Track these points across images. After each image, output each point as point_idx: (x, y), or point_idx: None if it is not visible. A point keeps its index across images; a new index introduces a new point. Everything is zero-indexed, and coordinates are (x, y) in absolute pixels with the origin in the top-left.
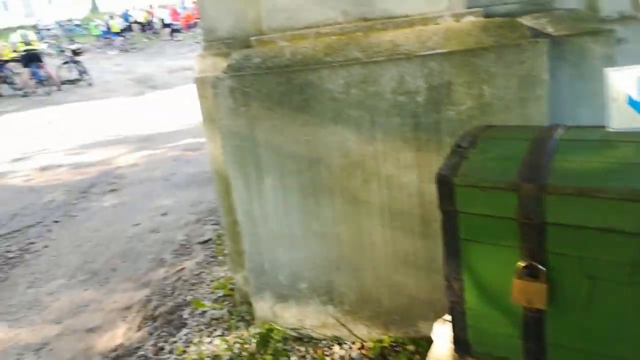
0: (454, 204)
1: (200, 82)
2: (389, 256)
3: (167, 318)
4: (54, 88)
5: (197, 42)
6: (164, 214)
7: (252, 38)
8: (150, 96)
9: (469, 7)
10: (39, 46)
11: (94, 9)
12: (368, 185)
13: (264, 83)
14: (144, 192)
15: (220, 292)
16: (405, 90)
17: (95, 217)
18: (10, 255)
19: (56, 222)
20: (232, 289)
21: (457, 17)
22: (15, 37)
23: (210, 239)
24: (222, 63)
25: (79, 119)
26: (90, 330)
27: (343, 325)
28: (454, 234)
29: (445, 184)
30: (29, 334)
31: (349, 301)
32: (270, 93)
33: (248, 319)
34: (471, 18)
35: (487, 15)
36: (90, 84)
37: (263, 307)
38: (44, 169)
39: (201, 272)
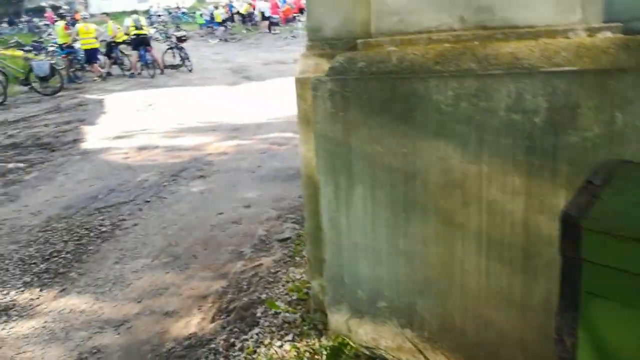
0: (579, 251)
1: (300, 83)
2: (481, 286)
3: (240, 314)
4: (158, 71)
5: (293, 36)
6: (247, 206)
7: (359, 41)
8: (244, 86)
9: (607, 21)
10: (149, 31)
11: None
12: (467, 208)
13: (366, 89)
14: (230, 182)
15: (295, 295)
16: (522, 109)
17: (182, 201)
18: (103, 229)
19: (147, 202)
20: (307, 294)
21: (592, 31)
22: (128, 22)
23: (289, 238)
24: (325, 64)
25: (178, 103)
26: (167, 314)
27: (421, 352)
28: (575, 284)
29: (571, 226)
30: (111, 309)
31: (430, 328)
32: (372, 100)
33: (321, 329)
34: (608, 34)
35: (626, 32)
36: (190, 70)
37: (338, 319)
38: (141, 148)
39: (278, 271)
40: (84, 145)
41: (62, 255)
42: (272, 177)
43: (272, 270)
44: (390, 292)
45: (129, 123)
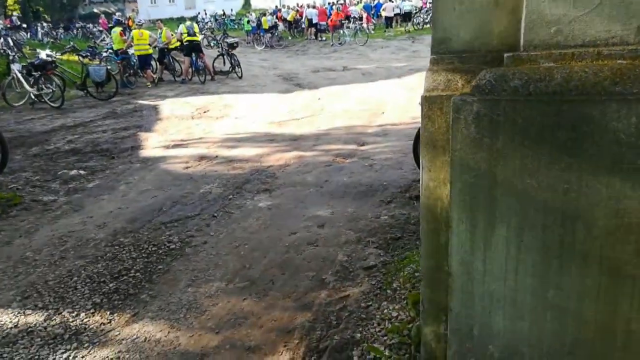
0: None
1: (429, 102)
2: None
3: (335, 357)
4: (208, 77)
5: (339, 43)
6: (321, 226)
7: (506, 55)
8: (296, 94)
9: None
10: (200, 38)
11: (247, 4)
12: None
13: (523, 112)
14: (297, 197)
15: (395, 338)
16: None
17: (250, 217)
18: (172, 246)
19: (214, 216)
20: (407, 336)
21: None
22: (181, 28)
23: (374, 266)
24: (458, 81)
25: (232, 110)
26: (250, 349)
27: None
28: None
29: None
30: (187, 340)
31: None
32: (528, 125)
33: None
34: None
35: None
36: (240, 77)
37: None
38: (201, 158)
39: (369, 306)
40: (143, 153)
41: (132, 274)
42: (342, 193)
43: (363, 304)
44: (530, 351)
45: (185, 130)
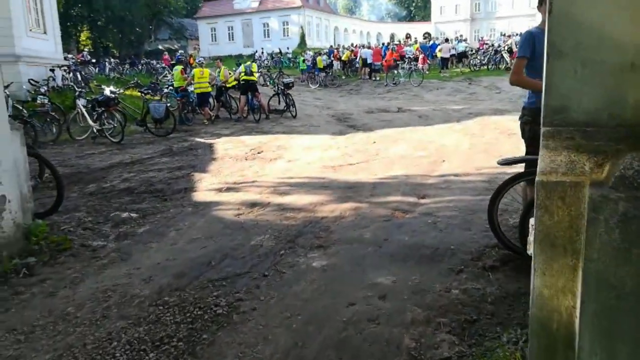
0: None
1: (546, 188)
2: None
3: None
4: (263, 116)
5: (394, 84)
6: (382, 297)
7: None
8: (350, 137)
9: None
10: (257, 77)
11: (302, 43)
12: None
13: None
14: (354, 257)
15: None
16: None
17: (303, 280)
18: (219, 310)
19: (265, 275)
20: None
21: None
22: (240, 68)
23: (449, 359)
24: (584, 163)
25: (286, 152)
26: None
27: None
28: None
29: None
30: None
31: None
32: None
33: None
34: None
35: None
36: (294, 116)
37: None
38: (253, 204)
39: None
40: (196, 196)
41: (174, 343)
42: (404, 255)
43: None
44: None
45: (238, 172)
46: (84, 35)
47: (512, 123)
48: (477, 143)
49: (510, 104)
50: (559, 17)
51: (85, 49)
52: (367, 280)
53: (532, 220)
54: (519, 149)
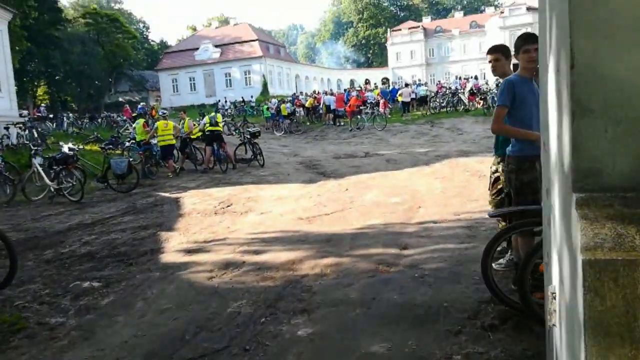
0: None
1: (594, 268)
2: None
3: None
4: (230, 166)
5: (358, 128)
6: None
7: None
8: (321, 184)
9: None
10: (222, 127)
11: (265, 92)
12: None
13: None
14: (343, 322)
15: None
16: None
17: (289, 353)
18: None
19: (246, 350)
20: None
21: None
22: (205, 119)
23: None
24: (634, 237)
25: (256, 204)
26: None
27: None
28: None
29: None
30: None
31: None
32: None
33: None
34: None
35: None
36: (262, 165)
37: None
38: (226, 265)
39: None
40: (163, 258)
41: None
42: (395, 317)
43: None
44: None
45: (208, 228)
46: (41, 90)
47: (480, 165)
48: (449, 186)
49: (474, 145)
50: (584, 72)
51: (42, 104)
52: (359, 349)
53: (551, 288)
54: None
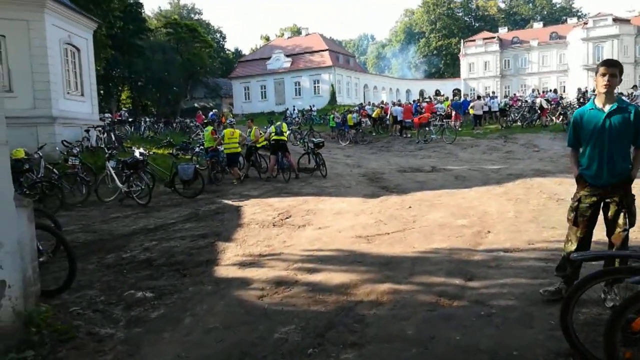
0: None
1: None
2: None
3: None
4: (293, 176)
5: (425, 141)
6: None
7: None
8: (383, 200)
9: None
10: (287, 136)
11: (332, 100)
12: None
13: None
14: None
15: None
16: None
17: None
18: None
19: None
20: None
21: None
22: (270, 128)
23: None
24: None
25: (315, 218)
26: None
27: None
28: None
29: None
30: None
31: None
32: None
33: None
34: None
35: None
36: (324, 176)
37: None
38: (278, 283)
39: None
40: (217, 271)
41: None
42: None
43: None
44: None
45: (264, 241)
46: (124, 95)
47: (558, 186)
48: (523, 210)
49: (551, 164)
50: None
51: (124, 109)
52: None
53: None
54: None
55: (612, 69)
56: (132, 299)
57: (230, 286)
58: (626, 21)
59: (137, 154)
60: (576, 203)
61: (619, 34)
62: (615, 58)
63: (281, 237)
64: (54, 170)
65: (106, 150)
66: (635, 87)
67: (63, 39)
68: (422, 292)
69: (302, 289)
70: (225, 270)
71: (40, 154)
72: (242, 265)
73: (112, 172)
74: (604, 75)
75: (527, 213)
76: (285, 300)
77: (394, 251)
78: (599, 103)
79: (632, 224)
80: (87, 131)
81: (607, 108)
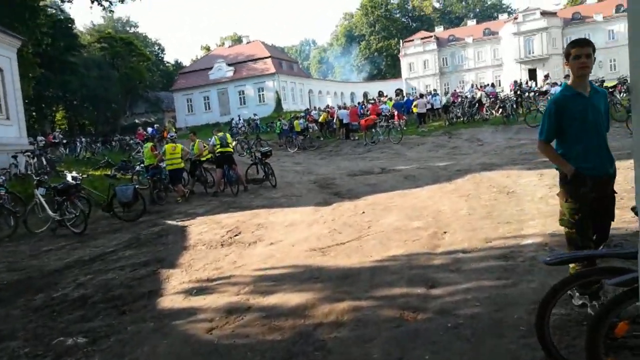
0: None
1: None
2: None
3: None
4: (241, 188)
5: (373, 142)
6: None
7: None
8: (336, 207)
9: None
10: (233, 148)
11: (278, 108)
12: None
13: None
14: None
15: None
16: None
17: None
18: None
19: None
20: None
21: None
22: (214, 140)
23: None
24: None
25: (266, 233)
26: None
27: None
28: None
29: None
30: None
31: None
32: None
33: None
34: None
35: None
36: (274, 186)
37: None
38: (229, 312)
39: None
40: (160, 303)
41: None
42: None
43: None
44: None
45: (212, 264)
46: (59, 115)
47: (506, 179)
48: (476, 206)
49: (497, 157)
50: None
51: (57, 129)
52: None
53: None
54: (524, 211)
55: (586, 48)
56: (62, 348)
57: (175, 320)
58: (553, 14)
59: (69, 178)
60: (577, 204)
61: (547, 26)
62: (544, 50)
63: (230, 257)
64: None
65: (34, 177)
66: (567, 76)
67: None
68: (384, 307)
69: (255, 315)
70: (169, 301)
71: None
72: (189, 293)
73: (42, 200)
74: (578, 57)
75: (480, 209)
76: (238, 330)
77: (351, 262)
78: (578, 88)
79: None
80: (15, 157)
81: (588, 92)
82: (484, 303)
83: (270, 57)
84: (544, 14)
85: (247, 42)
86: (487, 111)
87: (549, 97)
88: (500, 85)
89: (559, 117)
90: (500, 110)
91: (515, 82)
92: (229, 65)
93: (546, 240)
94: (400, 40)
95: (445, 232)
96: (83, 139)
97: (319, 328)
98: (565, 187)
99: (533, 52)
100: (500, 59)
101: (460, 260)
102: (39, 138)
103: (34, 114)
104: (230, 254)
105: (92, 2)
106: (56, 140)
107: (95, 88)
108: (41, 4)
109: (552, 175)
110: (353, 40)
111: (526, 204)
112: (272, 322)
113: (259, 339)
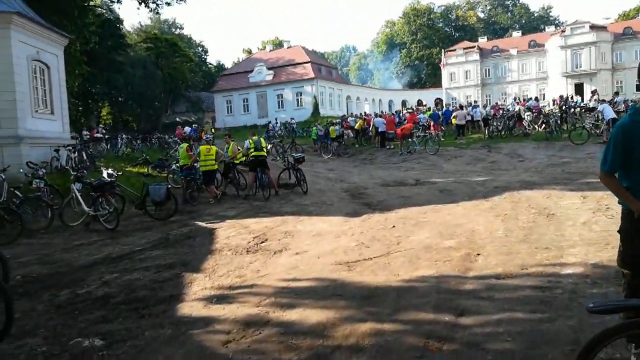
0: None
1: None
2: None
3: None
4: (272, 192)
5: (408, 152)
6: None
7: None
8: (366, 219)
9: None
10: (267, 152)
11: (316, 112)
12: None
13: None
14: None
15: None
16: None
17: None
18: None
19: None
20: None
21: None
22: (248, 143)
23: None
24: None
25: (293, 242)
26: None
27: None
28: None
29: None
30: None
31: None
32: None
33: None
34: None
35: None
36: (305, 192)
37: None
38: (247, 324)
39: None
40: (180, 309)
41: None
42: None
43: None
44: None
45: (236, 271)
46: (104, 111)
47: (547, 200)
48: (513, 228)
49: (537, 175)
50: None
51: (101, 125)
52: None
53: None
54: (564, 236)
55: None
56: (79, 349)
57: (192, 328)
58: (603, 28)
59: (104, 175)
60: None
61: (596, 41)
62: (592, 65)
63: (255, 265)
64: (17, 193)
65: (71, 172)
66: (617, 93)
67: (31, 55)
68: (408, 333)
69: (273, 331)
70: (189, 308)
71: (4, 177)
72: (209, 301)
73: (78, 194)
74: None
75: (517, 231)
76: (254, 346)
77: (377, 280)
78: None
79: None
80: (57, 150)
81: None
82: (517, 338)
83: (309, 62)
84: (593, 27)
85: (288, 47)
86: (529, 126)
87: (597, 115)
88: (544, 99)
89: (627, 146)
90: (544, 125)
91: (561, 96)
92: (269, 69)
93: (588, 271)
94: (442, 50)
95: (478, 254)
96: (124, 136)
97: (337, 351)
98: (630, 225)
99: (580, 66)
100: (545, 72)
101: (494, 287)
102: (84, 132)
103: (80, 108)
104: (254, 261)
105: (140, 4)
106: (99, 135)
107: (140, 86)
108: (90, 3)
109: (596, 198)
110: (394, 48)
111: (567, 228)
112: (289, 339)
113: (274, 356)
